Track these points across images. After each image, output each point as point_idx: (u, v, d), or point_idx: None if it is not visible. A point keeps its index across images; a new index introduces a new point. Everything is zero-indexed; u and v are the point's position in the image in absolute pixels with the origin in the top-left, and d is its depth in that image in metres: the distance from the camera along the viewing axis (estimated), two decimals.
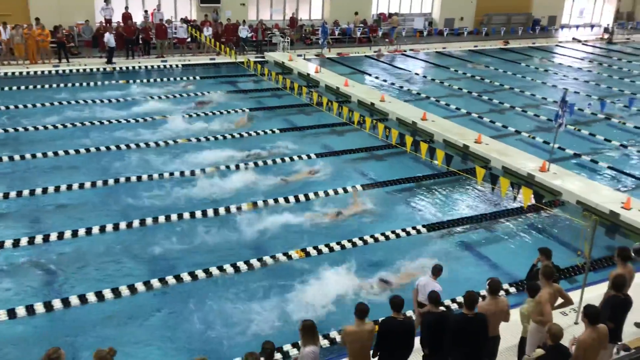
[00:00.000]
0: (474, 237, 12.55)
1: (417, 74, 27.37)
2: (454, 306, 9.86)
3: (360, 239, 11.98)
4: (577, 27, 41.22)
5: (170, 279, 10.31)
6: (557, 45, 36.19)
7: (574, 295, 8.69)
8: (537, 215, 13.49)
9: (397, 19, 34.61)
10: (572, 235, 12.12)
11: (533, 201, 12.63)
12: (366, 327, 7.06)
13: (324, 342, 8.75)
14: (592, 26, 42.18)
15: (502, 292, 9.69)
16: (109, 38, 24.76)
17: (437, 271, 8.54)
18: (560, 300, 8.10)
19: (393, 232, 12.28)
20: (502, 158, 16.13)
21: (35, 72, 23.34)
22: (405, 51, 31.79)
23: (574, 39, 38.17)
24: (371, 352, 7.24)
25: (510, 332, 8.59)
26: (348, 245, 11.74)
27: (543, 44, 35.95)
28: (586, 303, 7.37)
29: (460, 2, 37.21)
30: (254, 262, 10.95)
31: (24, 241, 11.34)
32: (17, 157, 15.28)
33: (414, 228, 12.52)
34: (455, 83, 25.33)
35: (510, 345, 8.52)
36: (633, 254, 8.87)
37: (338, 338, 8.83)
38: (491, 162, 16.24)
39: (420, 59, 30.53)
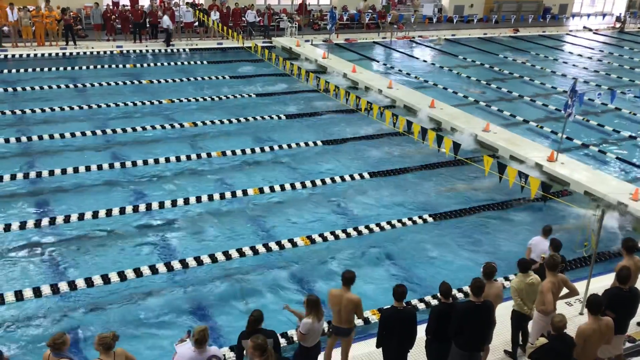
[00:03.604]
0: (479, 226, 12.50)
1: (425, 60, 27.18)
2: (460, 295, 9.86)
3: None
4: (589, 15, 40.79)
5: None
6: (567, 34, 35.84)
7: (580, 286, 8.64)
8: (544, 205, 13.41)
9: (419, 2, 34.36)
10: (579, 226, 12.04)
11: (540, 191, 12.55)
12: (347, 295, 7.32)
13: None
14: (604, 15, 41.72)
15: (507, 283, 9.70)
16: (166, 20, 25.15)
17: (547, 231, 9.15)
18: (565, 291, 8.07)
19: None
20: (510, 147, 16.02)
21: (43, 55, 23.33)
22: (413, 38, 31.55)
23: (585, 27, 37.77)
24: (355, 320, 7.68)
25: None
26: None
27: (553, 32, 35.58)
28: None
29: None
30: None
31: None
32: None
33: (420, 217, 12.52)
34: (464, 71, 25.15)
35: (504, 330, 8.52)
36: None
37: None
38: (499, 151, 16.15)
39: (429, 46, 30.31)
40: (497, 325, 7.74)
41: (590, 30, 37.21)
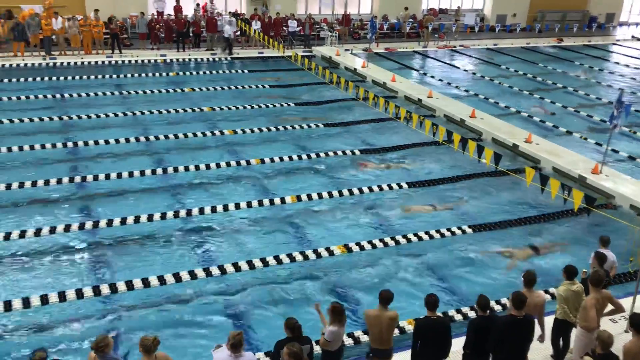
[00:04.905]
0: (520, 239, 12.26)
1: (466, 70, 26.91)
2: (498, 307, 9.68)
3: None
4: (637, 24, 39.73)
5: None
6: (614, 44, 34.95)
7: (626, 302, 8.38)
8: (588, 219, 13.05)
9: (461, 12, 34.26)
10: (625, 241, 11.68)
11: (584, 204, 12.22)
12: (387, 314, 7.22)
13: None
14: None
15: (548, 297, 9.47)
16: (228, 29, 25.93)
17: (605, 241, 9.14)
18: (610, 307, 7.85)
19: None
20: (553, 159, 15.69)
21: (89, 63, 23.97)
22: (454, 47, 31.28)
23: (633, 37, 36.79)
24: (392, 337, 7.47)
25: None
26: None
27: (599, 42, 34.76)
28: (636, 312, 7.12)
29: None
30: None
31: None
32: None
33: (459, 228, 12.36)
34: (506, 81, 24.79)
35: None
36: None
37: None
38: (541, 162, 15.83)
39: (471, 55, 29.99)
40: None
41: (638, 39, 36.23)
